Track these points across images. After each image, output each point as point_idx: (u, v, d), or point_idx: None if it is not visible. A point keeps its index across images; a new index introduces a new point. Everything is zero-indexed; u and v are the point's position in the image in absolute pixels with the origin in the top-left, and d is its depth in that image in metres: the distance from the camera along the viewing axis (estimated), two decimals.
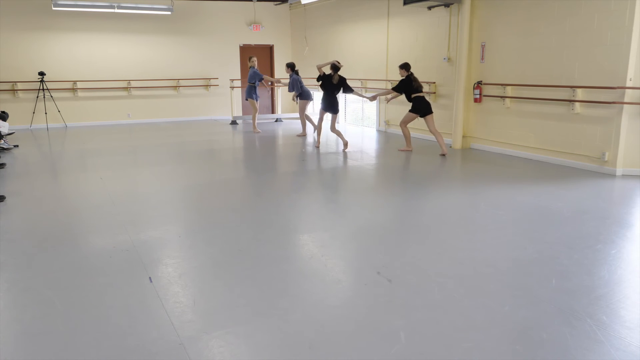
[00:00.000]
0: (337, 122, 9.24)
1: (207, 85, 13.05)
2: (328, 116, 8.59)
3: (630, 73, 6.00)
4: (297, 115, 13.37)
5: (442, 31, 8.73)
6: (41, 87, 11.18)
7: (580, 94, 6.58)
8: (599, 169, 6.44)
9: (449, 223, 4.39)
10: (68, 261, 3.53)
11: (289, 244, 3.93)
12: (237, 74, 13.28)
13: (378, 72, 10.49)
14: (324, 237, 4.03)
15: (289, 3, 12.83)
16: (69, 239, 4.02)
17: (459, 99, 8.25)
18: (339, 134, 8.37)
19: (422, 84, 9.28)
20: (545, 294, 2.96)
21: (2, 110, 9.48)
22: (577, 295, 2.95)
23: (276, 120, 12.84)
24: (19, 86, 11.28)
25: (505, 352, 2.36)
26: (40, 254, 3.69)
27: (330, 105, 8.37)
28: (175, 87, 12.79)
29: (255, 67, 10.39)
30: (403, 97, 9.97)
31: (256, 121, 10.67)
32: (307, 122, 10.40)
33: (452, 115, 8.57)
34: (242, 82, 13.44)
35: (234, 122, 12.25)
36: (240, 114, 13.47)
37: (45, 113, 11.43)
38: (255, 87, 10.34)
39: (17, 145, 8.91)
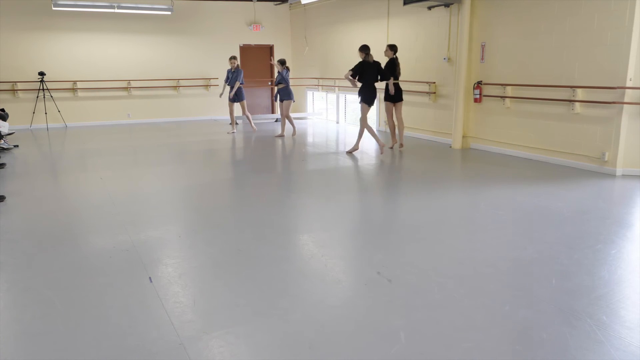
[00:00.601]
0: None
1: (207, 85, 13.05)
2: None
3: (630, 73, 6.00)
4: (294, 115, 13.40)
5: (442, 31, 8.74)
6: (41, 87, 11.18)
7: (580, 94, 6.58)
8: (599, 169, 6.44)
9: (449, 223, 4.39)
10: (68, 261, 3.53)
11: (289, 244, 3.93)
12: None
13: None
14: (324, 237, 4.03)
15: (289, 3, 12.84)
16: (69, 239, 4.02)
17: (459, 99, 8.25)
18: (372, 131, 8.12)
19: (422, 83, 9.32)
20: (545, 294, 2.96)
21: (2, 108, 9.49)
22: (577, 295, 2.95)
23: (276, 120, 12.84)
24: (19, 86, 11.29)
25: (505, 352, 2.36)
26: (40, 254, 3.69)
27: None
28: (175, 87, 12.79)
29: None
30: (406, 96, 9.90)
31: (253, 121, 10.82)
32: (287, 123, 10.44)
33: (452, 115, 8.57)
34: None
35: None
36: (240, 114, 13.46)
37: (45, 113, 11.44)
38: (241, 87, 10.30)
39: (17, 145, 8.91)
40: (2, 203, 5.08)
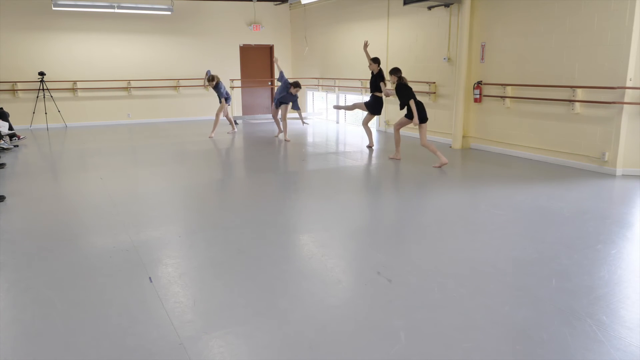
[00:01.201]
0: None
1: (207, 86, 13.03)
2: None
3: (630, 73, 6.00)
4: (296, 115, 13.40)
5: (442, 31, 8.74)
6: (41, 87, 11.18)
7: (580, 94, 6.58)
8: (599, 169, 6.44)
9: (449, 223, 4.39)
10: (68, 261, 3.53)
11: (289, 244, 3.93)
12: (237, 74, 13.28)
13: None
14: (324, 237, 4.03)
15: (289, 3, 12.83)
16: (69, 239, 4.02)
17: (459, 99, 8.25)
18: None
19: (422, 83, 9.32)
20: (545, 294, 2.96)
21: (1, 107, 9.50)
22: (577, 295, 2.95)
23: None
24: (19, 86, 11.29)
25: (505, 352, 2.36)
26: (40, 253, 3.69)
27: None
28: (175, 87, 12.79)
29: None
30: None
31: (232, 121, 10.62)
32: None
33: (452, 115, 8.57)
34: (242, 83, 13.45)
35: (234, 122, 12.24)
36: (240, 114, 13.48)
37: (45, 113, 11.44)
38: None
39: (17, 145, 8.91)
40: (2, 203, 5.08)
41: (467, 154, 7.91)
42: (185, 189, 5.74)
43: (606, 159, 6.33)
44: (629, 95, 6.07)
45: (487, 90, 7.99)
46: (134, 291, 3.05)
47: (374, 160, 7.50)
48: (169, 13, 11.96)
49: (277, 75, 9.90)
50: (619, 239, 3.93)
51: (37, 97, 11.32)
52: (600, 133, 6.39)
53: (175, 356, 2.34)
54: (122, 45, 12.13)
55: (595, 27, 6.29)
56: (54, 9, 10.78)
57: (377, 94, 8.01)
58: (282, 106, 9.48)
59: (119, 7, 11.22)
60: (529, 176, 6.25)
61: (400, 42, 9.81)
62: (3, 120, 9.06)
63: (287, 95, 9.18)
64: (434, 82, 9.02)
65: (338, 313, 2.76)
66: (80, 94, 11.93)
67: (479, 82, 8.04)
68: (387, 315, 2.72)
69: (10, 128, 9.22)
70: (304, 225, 4.45)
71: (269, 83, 13.93)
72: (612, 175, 6.22)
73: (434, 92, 9.05)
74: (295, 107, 9.38)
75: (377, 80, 7.97)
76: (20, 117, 11.17)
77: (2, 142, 8.47)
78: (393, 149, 8.53)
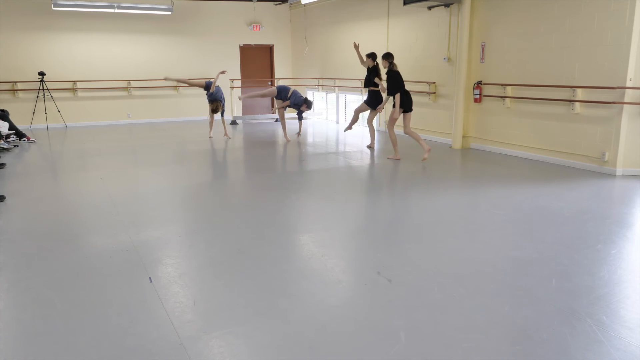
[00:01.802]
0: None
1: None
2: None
3: (630, 73, 6.00)
4: (295, 115, 13.40)
5: (442, 31, 8.74)
6: (41, 87, 11.18)
7: (580, 94, 6.58)
8: (599, 169, 6.44)
9: (449, 223, 4.39)
10: (68, 261, 3.53)
11: (289, 244, 3.93)
12: (237, 74, 13.28)
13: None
14: (324, 237, 4.03)
15: (289, 3, 12.83)
16: (69, 239, 4.02)
17: (459, 99, 8.25)
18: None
19: (422, 83, 9.32)
20: (545, 294, 2.96)
21: (2, 109, 9.50)
22: (577, 295, 2.95)
23: (276, 121, 12.84)
24: (19, 86, 11.29)
25: (505, 352, 2.36)
26: (40, 253, 3.69)
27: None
28: (175, 87, 12.79)
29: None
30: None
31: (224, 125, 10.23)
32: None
33: (452, 115, 8.57)
34: (242, 83, 13.45)
35: (234, 122, 12.25)
36: (240, 114, 13.48)
37: (45, 113, 11.44)
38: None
39: (17, 145, 8.92)
40: (2, 203, 5.08)
41: (467, 154, 7.91)
42: (185, 189, 5.74)
43: (606, 159, 6.33)
44: (629, 95, 6.07)
45: (487, 90, 7.99)
46: (134, 291, 3.05)
47: (374, 161, 7.50)
48: (169, 13, 11.97)
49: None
50: (619, 239, 3.93)
51: (37, 97, 11.32)
52: (600, 133, 6.39)
53: (175, 356, 2.34)
54: (122, 45, 12.13)
55: (595, 27, 6.29)
56: (54, 9, 10.79)
57: (372, 88, 8.03)
58: (281, 110, 9.38)
59: (119, 7, 11.22)
60: (529, 176, 6.25)
61: (400, 42, 9.81)
62: (3, 120, 9.07)
63: (299, 105, 9.26)
64: (434, 82, 9.02)
65: (338, 313, 2.76)
66: (80, 94, 11.93)
67: (479, 82, 8.04)
68: (387, 315, 2.72)
69: (11, 128, 9.23)
70: (304, 225, 4.45)
71: (269, 83, 13.92)
72: (612, 175, 6.22)
73: (434, 92, 9.05)
74: (300, 117, 9.75)
75: (371, 75, 7.96)
76: (20, 117, 11.17)
77: (2, 142, 8.48)
78: (391, 148, 8.53)
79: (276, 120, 12.82)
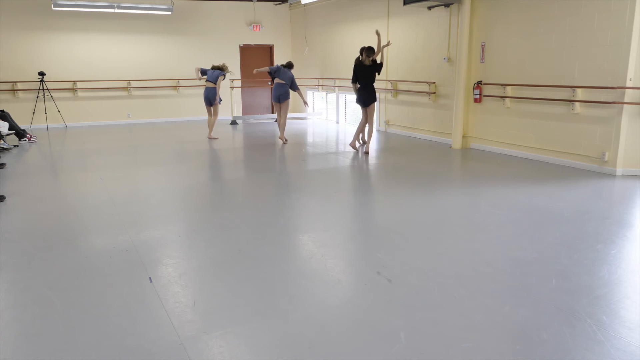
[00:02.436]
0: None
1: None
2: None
3: (630, 73, 6.00)
4: (295, 115, 13.41)
5: (442, 31, 8.74)
6: (41, 87, 11.18)
7: (580, 94, 6.58)
8: (599, 169, 6.44)
9: (449, 223, 4.39)
10: (68, 261, 3.53)
11: (289, 244, 3.93)
12: (237, 74, 13.28)
13: None
14: (324, 237, 4.03)
15: (289, 3, 12.84)
16: (69, 238, 4.02)
17: (459, 99, 8.25)
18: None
19: (422, 83, 9.32)
20: (545, 294, 2.96)
21: (2, 109, 9.50)
22: (577, 295, 2.95)
23: (276, 120, 12.84)
24: (19, 86, 11.29)
25: (505, 352, 2.36)
26: (40, 253, 3.69)
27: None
28: (175, 87, 12.79)
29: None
30: (405, 97, 10.01)
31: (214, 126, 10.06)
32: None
33: (452, 115, 8.57)
34: (242, 83, 13.45)
35: (234, 122, 12.25)
36: (240, 114, 13.48)
37: (45, 113, 11.44)
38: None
39: (17, 145, 8.92)
40: (2, 203, 5.08)
41: (467, 154, 7.91)
42: (185, 189, 5.74)
43: (606, 159, 6.33)
44: (629, 95, 6.07)
45: (487, 90, 7.99)
46: (134, 291, 3.05)
47: (374, 161, 7.50)
48: (169, 13, 11.97)
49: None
50: (619, 239, 3.93)
51: (37, 97, 11.32)
52: (600, 133, 6.39)
53: (175, 356, 2.34)
54: (122, 45, 12.13)
55: (595, 27, 6.29)
56: (54, 9, 10.79)
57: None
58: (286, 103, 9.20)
59: (119, 7, 11.22)
60: (529, 176, 6.25)
61: (400, 42, 9.81)
62: (3, 120, 9.07)
63: (287, 83, 9.01)
64: (434, 82, 9.02)
65: (338, 313, 2.76)
66: (80, 94, 11.93)
67: (479, 82, 8.04)
68: (387, 315, 2.72)
69: (11, 128, 9.23)
70: (304, 225, 4.45)
71: (269, 83, 13.91)
72: (612, 175, 6.22)
73: (434, 92, 9.05)
74: (295, 88, 9.20)
75: (374, 69, 7.99)
76: (20, 117, 11.16)
77: (2, 142, 8.48)
78: (392, 148, 8.53)
79: (276, 120, 12.80)
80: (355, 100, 8.28)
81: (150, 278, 3.23)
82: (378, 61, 7.97)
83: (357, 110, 12.03)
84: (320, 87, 13.07)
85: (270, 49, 13.84)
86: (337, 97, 12.25)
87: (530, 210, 4.74)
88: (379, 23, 10.30)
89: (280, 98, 9.14)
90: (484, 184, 5.79)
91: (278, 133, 10.23)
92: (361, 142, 8.48)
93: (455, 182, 6.07)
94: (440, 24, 8.76)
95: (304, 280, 3.21)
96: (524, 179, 6.09)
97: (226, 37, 13.07)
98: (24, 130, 9.43)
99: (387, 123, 10.53)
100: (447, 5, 8.43)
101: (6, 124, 9.03)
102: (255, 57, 13.71)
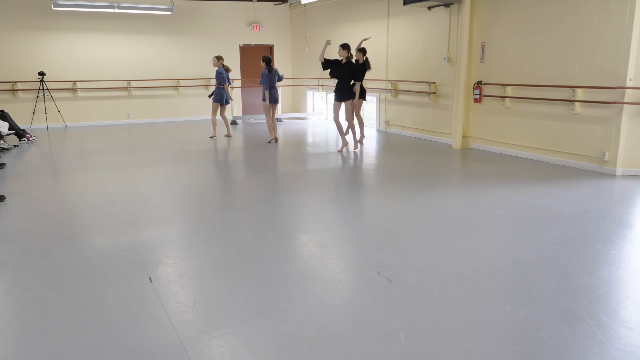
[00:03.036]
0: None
1: (207, 85, 13.05)
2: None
3: (630, 73, 6.00)
4: (295, 115, 13.41)
5: (442, 31, 8.74)
6: (41, 87, 11.18)
7: (580, 94, 6.58)
8: (599, 169, 6.44)
9: (449, 223, 4.39)
10: (68, 261, 3.53)
11: (289, 244, 3.93)
12: (237, 74, 13.28)
13: (378, 72, 10.48)
14: (324, 237, 4.03)
15: (289, 3, 12.83)
16: (69, 238, 4.02)
17: (459, 99, 8.25)
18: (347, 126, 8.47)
19: (422, 83, 9.32)
20: (545, 294, 2.96)
21: (2, 109, 9.50)
22: (577, 295, 2.95)
23: (279, 120, 12.84)
24: (19, 86, 11.29)
25: (505, 352, 2.36)
26: (40, 253, 3.69)
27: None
28: (175, 87, 12.79)
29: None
30: (405, 97, 10.04)
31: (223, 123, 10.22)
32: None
33: (452, 115, 8.57)
34: (242, 83, 13.45)
35: (234, 122, 12.25)
36: (240, 114, 13.48)
37: (45, 113, 11.44)
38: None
39: (17, 145, 8.92)
40: (2, 203, 5.08)
41: (467, 154, 7.91)
42: (185, 189, 5.74)
43: (606, 159, 6.33)
44: (629, 95, 6.07)
45: (487, 90, 7.99)
46: (134, 291, 3.05)
47: (374, 161, 7.50)
48: (169, 13, 11.96)
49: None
50: (619, 239, 3.93)
51: (37, 97, 11.32)
52: (600, 133, 6.39)
53: (175, 356, 2.34)
54: (122, 45, 12.12)
55: (595, 27, 6.29)
56: (54, 9, 10.79)
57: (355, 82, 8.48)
58: (264, 104, 9.22)
59: (119, 7, 11.22)
60: (529, 176, 6.25)
61: (400, 42, 9.81)
62: (3, 120, 9.07)
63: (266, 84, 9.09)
64: (434, 82, 9.02)
65: (338, 313, 2.76)
66: (80, 94, 11.93)
67: (479, 82, 8.04)
68: (387, 315, 2.72)
69: (11, 128, 9.23)
70: (304, 225, 4.45)
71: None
72: (612, 175, 6.22)
73: (434, 92, 9.05)
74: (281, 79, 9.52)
75: (364, 68, 8.44)
76: (20, 117, 11.16)
77: (2, 142, 8.48)
78: (392, 148, 8.54)
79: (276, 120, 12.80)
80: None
81: (150, 278, 3.23)
82: (361, 61, 8.25)
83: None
84: (320, 87, 13.07)
85: (270, 49, 13.84)
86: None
87: (530, 210, 4.74)
88: (379, 23, 10.30)
89: (277, 100, 9.34)
90: (484, 184, 5.79)
91: (278, 133, 10.22)
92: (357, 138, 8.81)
93: (455, 182, 6.07)
94: (440, 24, 8.76)
95: (304, 280, 3.21)
96: (524, 179, 6.09)
97: (226, 37, 13.06)
98: (23, 130, 9.44)
99: (387, 123, 10.52)
100: (447, 5, 8.43)
101: (6, 124, 9.02)
102: (255, 57, 13.69)
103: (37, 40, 11.34)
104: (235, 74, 13.17)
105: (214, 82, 12.86)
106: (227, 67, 9.74)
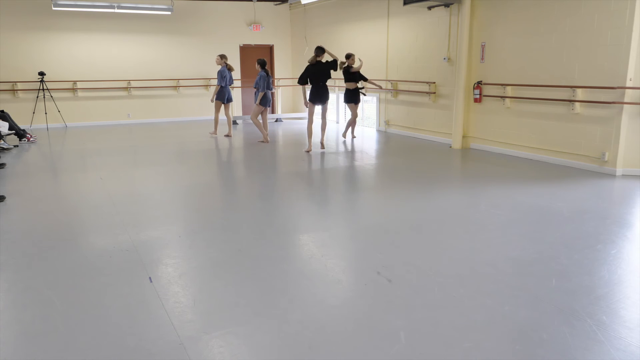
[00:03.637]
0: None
1: (207, 85, 13.05)
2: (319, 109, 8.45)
3: (630, 73, 6.00)
4: (295, 115, 13.41)
5: (442, 31, 8.74)
6: (41, 87, 11.18)
7: (580, 94, 6.58)
8: (599, 169, 6.44)
9: (449, 223, 4.39)
10: (68, 261, 3.53)
11: (288, 244, 3.93)
12: (237, 74, 13.28)
13: (378, 72, 10.49)
14: (324, 237, 4.03)
15: (289, 3, 12.83)
16: (69, 239, 4.02)
17: (459, 99, 8.25)
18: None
19: (422, 83, 9.32)
20: (545, 294, 2.96)
21: (2, 109, 9.50)
22: (577, 295, 2.95)
23: (276, 120, 12.85)
24: (19, 86, 11.28)
25: (505, 352, 2.36)
26: (40, 253, 3.69)
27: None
28: (175, 87, 12.79)
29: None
30: (405, 97, 10.06)
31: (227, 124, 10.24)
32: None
33: (452, 115, 8.57)
34: (242, 83, 13.45)
35: (234, 122, 12.25)
36: (240, 114, 13.48)
37: (45, 113, 11.44)
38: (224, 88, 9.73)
39: (17, 145, 8.91)
40: (2, 203, 5.08)
41: (467, 154, 7.91)
42: (185, 189, 5.74)
43: (606, 159, 6.33)
44: (629, 95, 6.07)
45: (487, 90, 7.99)
46: (134, 291, 3.05)
47: (374, 160, 7.50)
48: (169, 13, 11.96)
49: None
50: (619, 239, 3.93)
51: (37, 97, 11.32)
52: (600, 133, 6.39)
53: (175, 356, 2.34)
54: (122, 45, 12.12)
55: (595, 27, 6.29)
56: (54, 9, 10.78)
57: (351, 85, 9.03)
58: (256, 107, 9.21)
59: (119, 7, 11.22)
60: (529, 176, 6.25)
61: (400, 42, 9.81)
62: (3, 120, 9.07)
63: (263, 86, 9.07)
64: (434, 82, 9.02)
65: (338, 313, 2.76)
66: (80, 94, 11.93)
67: (479, 82, 8.04)
68: (387, 315, 2.72)
69: (11, 128, 9.23)
70: (304, 225, 4.45)
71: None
72: (612, 175, 6.22)
73: (434, 92, 9.05)
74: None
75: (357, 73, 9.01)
76: (20, 117, 11.16)
77: (2, 142, 8.48)
78: (392, 148, 8.54)
79: (276, 120, 12.83)
80: (345, 100, 9.38)
81: (150, 278, 3.23)
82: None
83: (357, 110, 12.02)
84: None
85: (270, 49, 13.84)
86: (337, 97, 12.25)
87: (530, 210, 4.74)
88: (379, 23, 10.30)
89: (270, 103, 9.46)
90: (484, 184, 5.79)
91: (278, 133, 10.23)
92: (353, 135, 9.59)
93: (455, 182, 6.07)
94: (440, 24, 8.76)
95: (304, 280, 3.21)
96: (523, 179, 6.09)
97: (226, 37, 13.06)
98: (23, 130, 9.44)
99: (387, 123, 10.53)
100: (447, 5, 8.43)
101: (6, 124, 9.02)
102: (255, 57, 13.68)
103: (37, 40, 11.34)
104: (235, 74, 13.15)
105: (213, 82, 12.93)
106: (230, 66, 9.77)
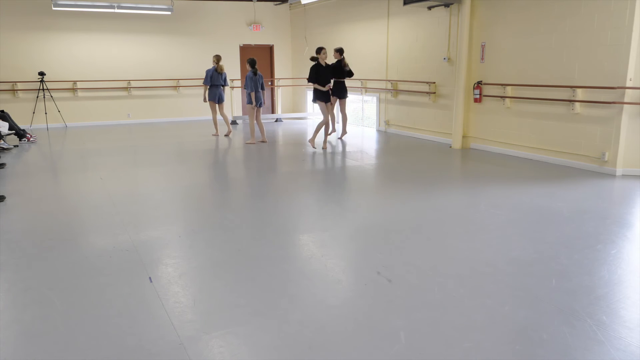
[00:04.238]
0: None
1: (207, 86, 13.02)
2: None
3: (630, 73, 6.00)
4: (295, 115, 13.41)
5: (442, 31, 8.74)
6: (41, 87, 11.18)
7: (580, 94, 6.58)
8: (599, 169, 6.44)
9: (448, 223, 4.39)
10: (68, 261, 3.53)
11: (288, 244, 3.93)
12: (237, 74, 13.28)
13: (378, 72, 10.49)
14: (324, 237, 4.03)
15: (289, 3, 12.83)
16: (69, 239, 4.02)
17: (459, 99, 8.25)
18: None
19: (421, 83, 9.32)
20: (545, 294, 2.96)
21: (2, 109, 9.50)
22: (577, 295, 2.95)
23: (276, 120, 12.85)
24: (19, 86, 11.29)
25: (505, 352, 2.36)
26: (40, 253, 3.69)
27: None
28: (175, 87, 12.79)
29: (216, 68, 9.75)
30: (405, 97, 10.07)
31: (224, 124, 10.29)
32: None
33: (452, 115, 8.57)
34: (242, 83, 13.45)
35: (234, 122, 12.25)
36: (240, 114, 13.48)
37: (45, 113, 11.44)
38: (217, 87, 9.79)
39: (17, 145, 8.91)
40: (2, 203, 5.08)
41: (467, 154, 7.91)
42: (185, 189, 5.74)
43: (606, 159, 6.33)
44: (629, 95, 6.07)
45: (487, 90, 7.99)
46: (134, 291, 3.05)
47: (374, 160, 7.50)
48: (169, 13, 11.96)
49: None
50: (619, 239, 3.93)
51: (37, 97, 11.32)
52: (600, 133, 6.39)
53: (175, 356, 2.34)
54: (122, 45, 12.12)
55: (595, 27, 6.29)
56: (54, 9, 10.78)
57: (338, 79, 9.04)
58: (249, 107, 9.21)
59: (119, 7, 11.22)
60: (529, 176, 6.25)
61: (400, 42, 9.81)
62: (3, 120, 9.07)
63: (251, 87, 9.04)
64: (434, 82, 9.02)
65: (338, 313, 2.76)
66: (80, 94, 11.93)
67: (479, 82, 8.04)
68: (387, 315, 2.72)
69: (11, 128, 9.23)
70: (304, 225, 4.45)
71: (269, 83, 13.92)
72: (612, 175, 6.22)
73: (434, 92, 9.05)
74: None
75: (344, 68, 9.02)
76: (20, 117, 11.16)
77: (2, 142, 8.48)
78: (392, 148, 8.54)
79: (276, 120, 12.83)
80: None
81: (150, 278, 3.23)
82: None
83: (358, 110, 12.04)
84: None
85: (270, 49, 13.84)
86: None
87: (530, 210, 4.74)
88: (379, 23, 10.30)
89: (263, 103, 9.43)
90: (484, 184, 5.79)
91: (278, 133, 10.23)
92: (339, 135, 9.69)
93: (455, 182, 6.07)
94: (440, 24, 8.76)
95: (304, 280, 3.21)
96: (524, 179, 6.09)
97: (226, 37, 13.06)
98: (23, 130, 9.43)
99: (387, 123, 10.53)
100: (447, 5, 8.43)
101: (6, 124, 9.02)
102: (255, 57, 13.68)
103: (37, 40, 11.34)
104: (235, 74, 13.17)
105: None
106: (219, 67, 9.70)
